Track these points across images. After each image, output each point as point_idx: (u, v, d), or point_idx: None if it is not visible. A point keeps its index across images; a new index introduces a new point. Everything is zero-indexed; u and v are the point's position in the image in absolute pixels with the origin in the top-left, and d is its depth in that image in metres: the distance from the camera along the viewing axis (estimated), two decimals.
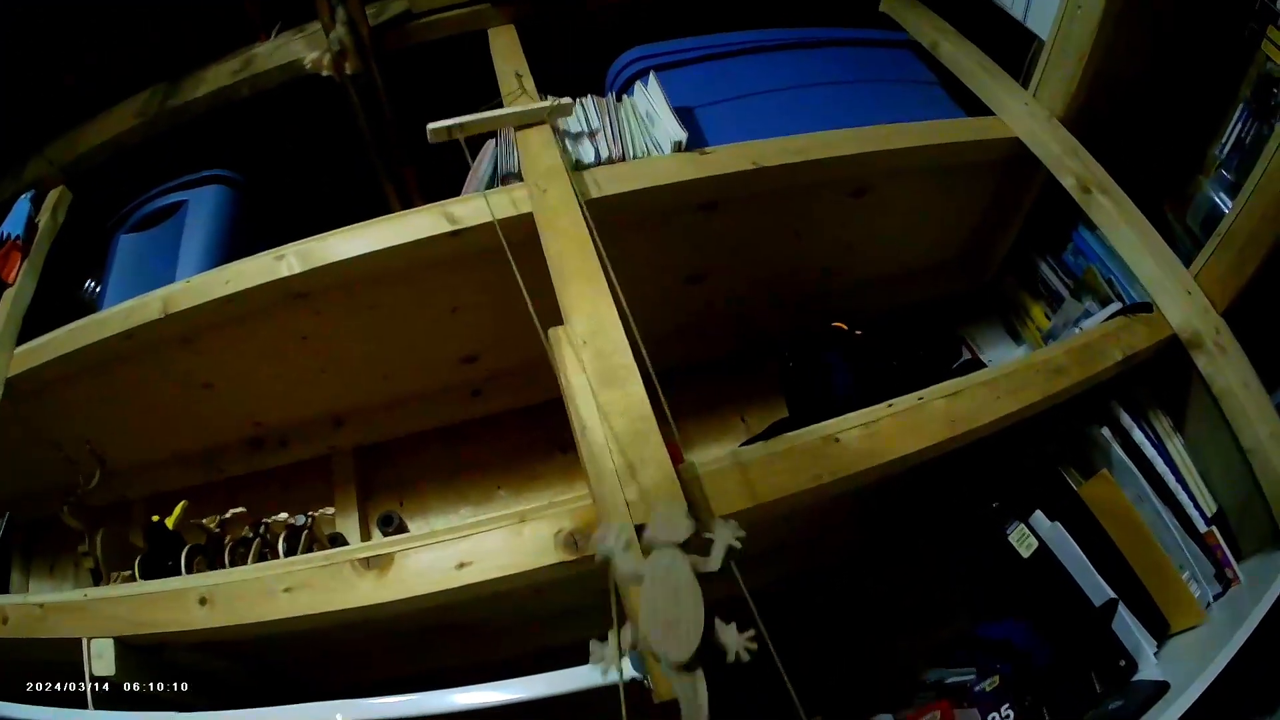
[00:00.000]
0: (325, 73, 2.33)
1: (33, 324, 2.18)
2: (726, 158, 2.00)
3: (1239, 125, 1.99)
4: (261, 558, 1.94)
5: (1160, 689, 1.74)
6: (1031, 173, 2.29)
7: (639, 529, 1.24)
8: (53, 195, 2.55)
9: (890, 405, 1.68)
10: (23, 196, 2.51)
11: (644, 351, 1.48)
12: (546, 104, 1.97)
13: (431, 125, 1.89)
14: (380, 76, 2.46)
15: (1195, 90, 2.11)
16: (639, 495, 1.38)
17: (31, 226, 2.47)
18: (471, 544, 1.52)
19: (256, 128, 2.69)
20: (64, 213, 2.55)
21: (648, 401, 1.46)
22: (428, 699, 1.48)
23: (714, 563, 1.11)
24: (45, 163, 2.61)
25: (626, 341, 1.52)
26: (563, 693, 1.33)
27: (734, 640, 1.04)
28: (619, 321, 1.55)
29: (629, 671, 1.27)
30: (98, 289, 2.44)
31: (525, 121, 1.98)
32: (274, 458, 2.51)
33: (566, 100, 2.00)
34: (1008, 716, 1.83)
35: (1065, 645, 1.91)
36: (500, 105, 2.03)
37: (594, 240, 1.66)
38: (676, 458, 1.44)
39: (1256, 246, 1.84)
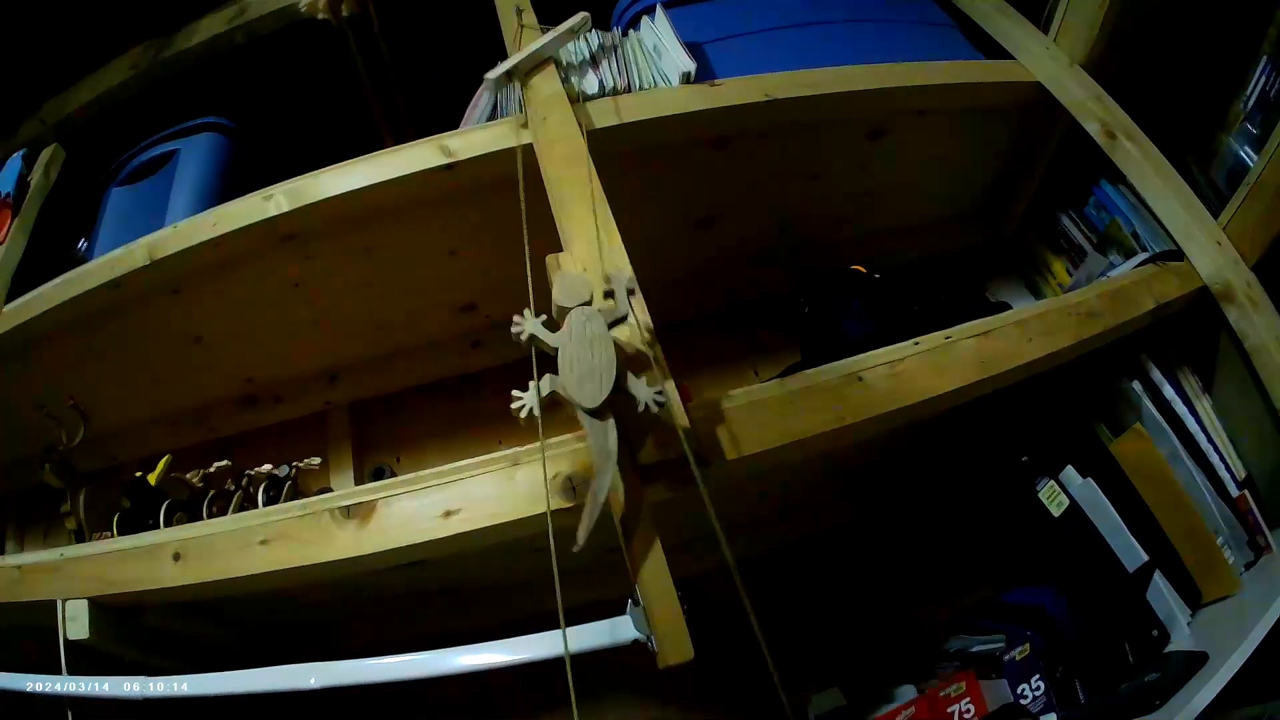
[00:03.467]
0: (321, 15, 2.19)
1: (30, 287, 2.01)
2: (737, 90, 1.82)
3: (1263, 79, 1.88)
4: (243, 511, 1.74)
5: (1198, 660, 1.57)
6: (1052, 120, 2.15)
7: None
8: (45, 153, 2.38)
9: (916, 344, 1.51)
10: (14, 155, 2.35)
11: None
12: (574, 21, 1.80)
13: (490, 74, 1.72)
14: (377, 17, 2.31)
15: (1216, 43, 1.99)
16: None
17: (23, 185, 2.31)
18: (459, 490, 1.33)
19: (253, 76, 2.53)
20: (56, 171, 2.38)
21: (652, 330, 1.29)
22: (414, 661, 1.31)
23: (621, 306, 1.19)
24: (39, 123, 2.49)
25: (630, 269, 1.35)
26: (570, 653, 1.14)
27: (645, 393, 1.13)
28: (622, 248, 1.38)
29: (630, 631, 1.17)
30: (88, 246, 2.27)
31: (563, 42, 1.81)
32: (268, 415, 2.34)
33: (585, 14, 1.82)
34: (1038, 689, 1.66)
35: (1098, 613, 1.74)
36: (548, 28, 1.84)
37: (590, 167, 1.50)
38: (686, 397, 1.27)
39: None
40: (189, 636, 1.69)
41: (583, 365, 1.13)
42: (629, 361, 1.18)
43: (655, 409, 1.13)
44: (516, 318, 1.17)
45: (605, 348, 1.14)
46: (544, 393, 1.13)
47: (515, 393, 1.14)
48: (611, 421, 1.12)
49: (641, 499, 1.19)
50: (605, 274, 1.29)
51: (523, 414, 1.13)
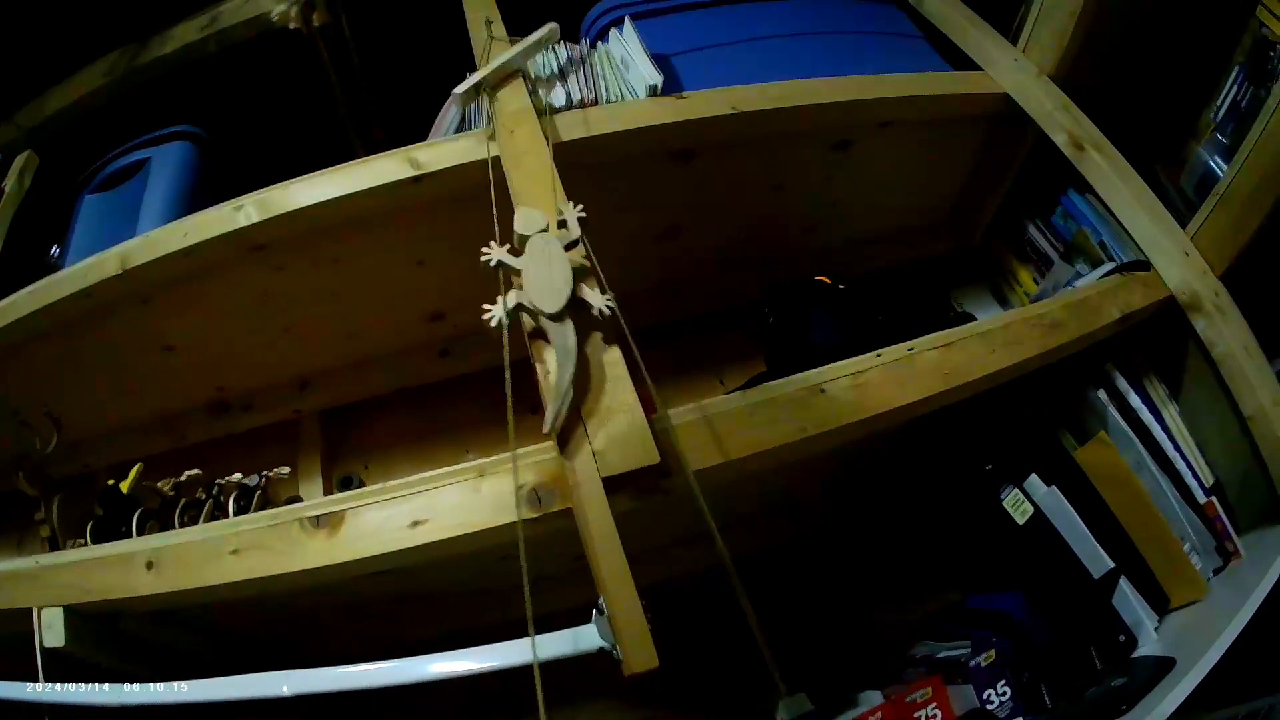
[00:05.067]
0: (293, 25, 2.21)
1: (2, 295, 1.99)
2: (704, 102, 1.84)
3: (1234, 89, 1.91)
4: (214, 520, 1.77)
5: (1165, 665, 1.61)
6: (1020, 131, 2.18)
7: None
8: (19, 159, 2.40)
9: (879, 355, 1.54)
10: None
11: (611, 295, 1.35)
12: (542, 32, 1.83)
13: (458, 90, 1.75)
14: (348, 28, 2.33)
15: (1187, 53, 2.03)
16: (607, 444, 1.25)
17: None
18: (426, 500, 1.35)
19: (226, 85, 2.55)
20: (30, 177, 2.41)
21: (616, 346, 1.34)
22: (385, 670, 1.32)
23: (574, 230, 1.40)
24: (13, 128, 2.50)
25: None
26: (540, 660, 1.16)
27: (598, 300, 1.32)
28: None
29: (595, 640, 1.19)
30: (61, 253, 2.27)
31: (531, 54, 1.84)
32: (238, 422, 2.34)
33: (553, 25, 1.85)
34: (1004, 694, 1.67)
35: (1064, 619, 1.76)
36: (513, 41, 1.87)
37: (556, 180, 1.54)
38: (649, 408, 1.30)
39: (1254, 209, 1.75)
40: (166, 644, 1.70)
41: (543, 280, 1.32)
42: (582, 278, 1.35)
43: (607, 313, 1.31)
44: (484, 249, 1.35)
45: (562, 265, 1.34)
46: (510, 305, 1.30)
47: (485, 305, 1.30)
48: (570, 324, 1.30)
49: (606, 508, 1.21)
50: (557, 207, 1.46)
51: (493, 323, 1.29)
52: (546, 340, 1.32)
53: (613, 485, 1.24)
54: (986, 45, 2.19)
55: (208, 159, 2.30)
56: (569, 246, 1.38)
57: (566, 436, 1.28)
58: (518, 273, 1.35)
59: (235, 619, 1.79)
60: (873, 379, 1.50)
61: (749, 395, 1.43)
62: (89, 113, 2.50)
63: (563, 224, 1.42)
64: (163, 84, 2.47)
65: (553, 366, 1.30)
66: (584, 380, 1.31)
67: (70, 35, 2.45)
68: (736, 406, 1.41)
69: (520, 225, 1.40)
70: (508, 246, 1.38)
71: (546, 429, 1.27)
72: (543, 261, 1.34)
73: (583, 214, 1.41)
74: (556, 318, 1.30)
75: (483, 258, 1.35)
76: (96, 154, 2.38)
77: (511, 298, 1.31)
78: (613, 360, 1.33)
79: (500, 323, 1.29)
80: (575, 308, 1.32)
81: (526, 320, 1.35)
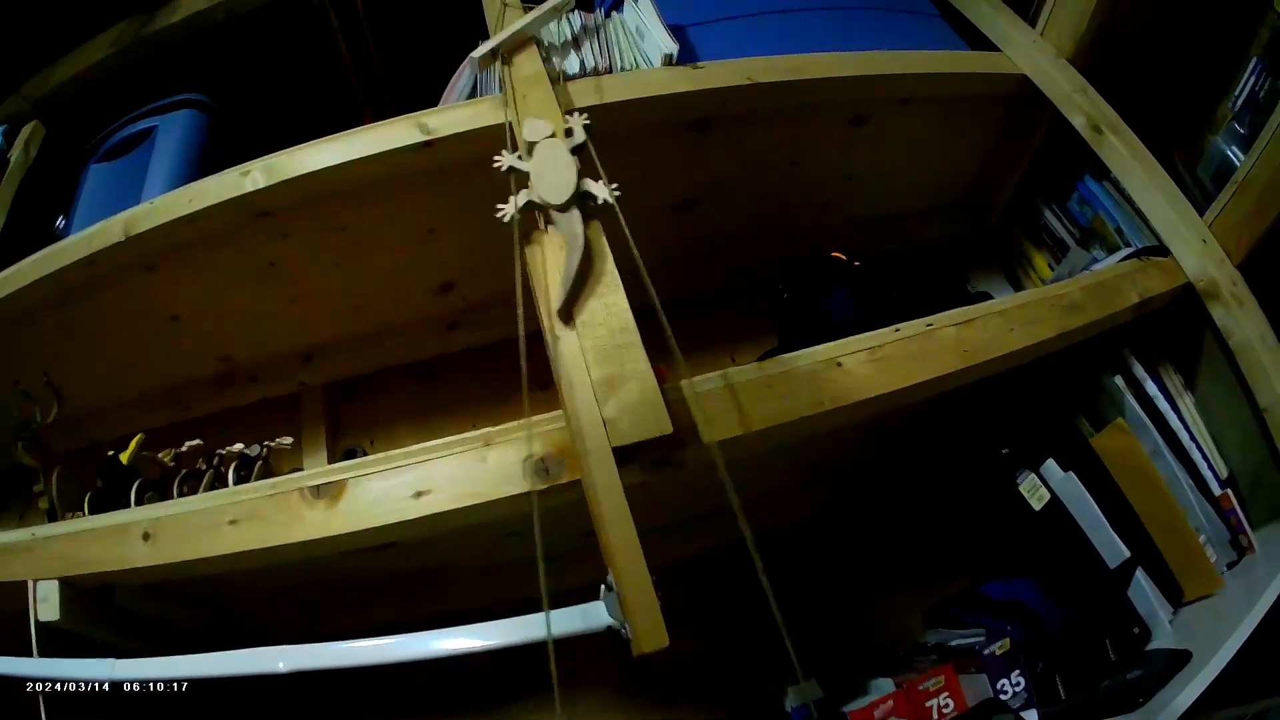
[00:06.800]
0: None
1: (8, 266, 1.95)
2: (720, 72, 1.80)
3: (1252, 79, 1.86)
4: (213, 491, 1.70)
5: (1181, 659, 1.56)
6: (1037, 113, 2.14)
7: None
8: (26, 130, 2.36)
9: (897, 330, 1.48)
10: None
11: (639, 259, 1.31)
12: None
13: (475, 54, 1.71)
14: None
15: (1204, 42, 1.98)
16: (618, 413, 1.19)
17: (2, 161, 2.30)
18: (430, 470, 1.31)
19: (235, 54, 2.50)
20: (37, 147, 2.36)
21: (629, 312, 1.28)
22: (384, 646, 1.26)
23: (578, 135, 1.47)
24: (20, 99, 2.45)
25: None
26: (551, 638, 1.11)
27: (602, 190, 1.39)
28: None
29: (603, 618, 1.15)
30: (66, 224, 2.22)
31: (545, 21, 1.78)
32: (243, 395, 2.29)
33: None
34: (1019, 684, 1.63)
35: (1080, 608, 1.72)
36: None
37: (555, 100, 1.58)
38: (661, 379, 1.25)
39: (1273, 198, 1.72)
40: (163, 620, 1.66)
41: (550, 178, 1.40)
42: (586, 175, 1.42)
43: (611, 200, 1.37)
44: (496, 157, 1.42)
45: (567, 164, 1.41)
46: (520, 203, 1.37)
47: (499, 205, 1.36)
48: (577, 213, 1.37)
49: (617, 479, 1.16)
50: (562, 116, 1.52)
51: (505, 219, 1.35)
52: (553, 229, 1.39)
53: (624, 455, 1.18)
54: (1004, 26, 2.16)
55: (215, 127, 2.26)
56: (575, 150, 1.44)
57: (569, 316, 1.29)
58: (526, 175, 1.41)
59: (236, 597, 1.76)
60: (890, 354, 1.45)
61: (765, 367, 1.39)
62: (97, 83, 2.46)
63: (570, 132, 1.48)
64: (171, 54, 2.43)
65: (558, 256, 1.35)
66: (586, 269, 1.34)
67: (78, 5, 2.40)
68: (752, 378, 1.36)
69: (528, 133, 1.47)
70: (518, 153, 1.44)
71: (556, 305, 1.30)
72: (549, 162, 1.42)
73: (587, 121, 1.48)
74: (563, 208, 1.38)
75: (494, 164, 1.41)
76: (104, 125, 2.33)
77: (522, 196, 1.37)
78: (602, 250, 1.36)
79: (512, 219, 1.35)
80: (581, 200, 1.38)
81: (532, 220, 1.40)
